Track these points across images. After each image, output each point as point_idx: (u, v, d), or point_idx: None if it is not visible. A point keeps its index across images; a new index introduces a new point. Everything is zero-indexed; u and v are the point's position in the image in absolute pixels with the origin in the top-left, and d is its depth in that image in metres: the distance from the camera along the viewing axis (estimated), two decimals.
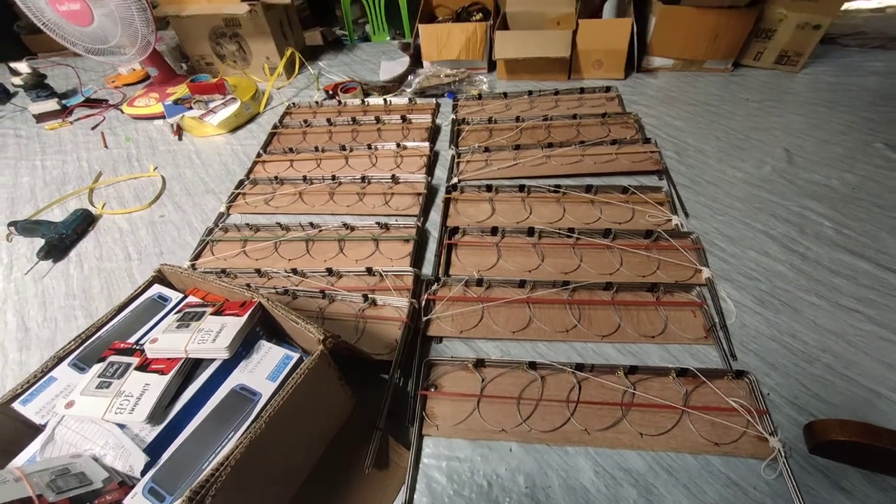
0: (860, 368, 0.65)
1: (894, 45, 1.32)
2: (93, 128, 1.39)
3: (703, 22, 1.21)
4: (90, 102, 1.49)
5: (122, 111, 1.43)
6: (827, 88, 1.20)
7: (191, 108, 1.30)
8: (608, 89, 1.26)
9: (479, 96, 1.30)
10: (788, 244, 0.82)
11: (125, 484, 0.45)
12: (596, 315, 0.74)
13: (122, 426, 0.47)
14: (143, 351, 0.52)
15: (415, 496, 0.57)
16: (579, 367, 0.65)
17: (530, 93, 1.27)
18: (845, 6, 1.41)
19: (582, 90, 1.27)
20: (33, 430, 0.50)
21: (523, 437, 0.61)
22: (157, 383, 0.49)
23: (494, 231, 0.87)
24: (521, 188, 0.96)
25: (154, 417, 0.47)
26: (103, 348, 0.54)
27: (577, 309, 0.74)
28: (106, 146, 1.30)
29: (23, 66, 1.48)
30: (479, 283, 0.79)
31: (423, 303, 0.76)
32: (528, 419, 0.62)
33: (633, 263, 0.81)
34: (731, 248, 0.82)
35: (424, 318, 0.74)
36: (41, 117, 1.43)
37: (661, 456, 0.58)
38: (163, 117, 1.35)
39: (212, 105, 1.30)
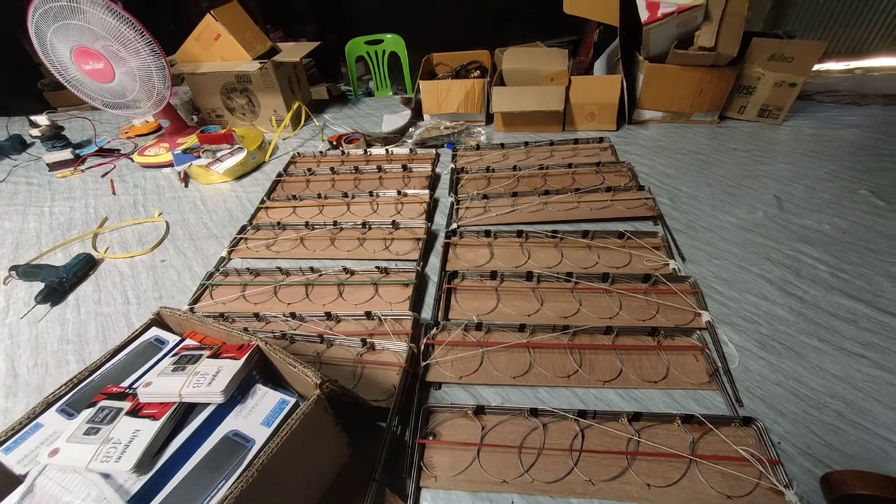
0: (872, 416, 0.63)
1: (866, 101, 1.40)
2: (102, 175, 1.43)
3: (688, 79, 1.29)
4: (103, 152, 1.55)
5: (132, 160, 1.48)
6: (809, 139, 1.25)
7: (199, 156, 1.35)
8: (601, 139, 1.32)
9: (478, 147, 1.35)
10: (785, 287, 0.82)
11: None
12: (597, 360, 0.73)
13: (106, 476, 0.45)
14: (136, 395, 0.51)
15: None
16: (582, 413, 0.63)
17: (526, 143, 1.33)
18: (817, 67, 1.51)
19: (576, 141, 1.32)
20: (12, 480, 0.48)
21: (525, 488, 0.58)
22: (148, 429, 0.47)
23: (493, 275, 0.88)
24: (520, 233, 0.98)
25: (141, 466, 0.45)
26: (95, 392, 0.53)
27: (577, 353, 0.73)
28: (114, 192, 1.34)
29: (42, 119, 1.55)
30: (479, 327, 0.78)
31: (423, 347, 0.75)
32: (530, 469, 0.59)
33: (632, 307, 0.81)
34: (728, 291, 0.83)
35: (423, 363, 0.73)
36: (54, 166, 1.48)
37: None
38: (171, 165, 1.40)
39: (219, 154, 1.35)
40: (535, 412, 0.64)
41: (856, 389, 0.66)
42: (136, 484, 0.45)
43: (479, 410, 0.66)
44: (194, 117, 1.70)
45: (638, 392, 0.68)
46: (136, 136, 1.67)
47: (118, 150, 1.56)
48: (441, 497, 0.58)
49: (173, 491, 0.44)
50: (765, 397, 0.66)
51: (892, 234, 0.91)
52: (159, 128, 1.67)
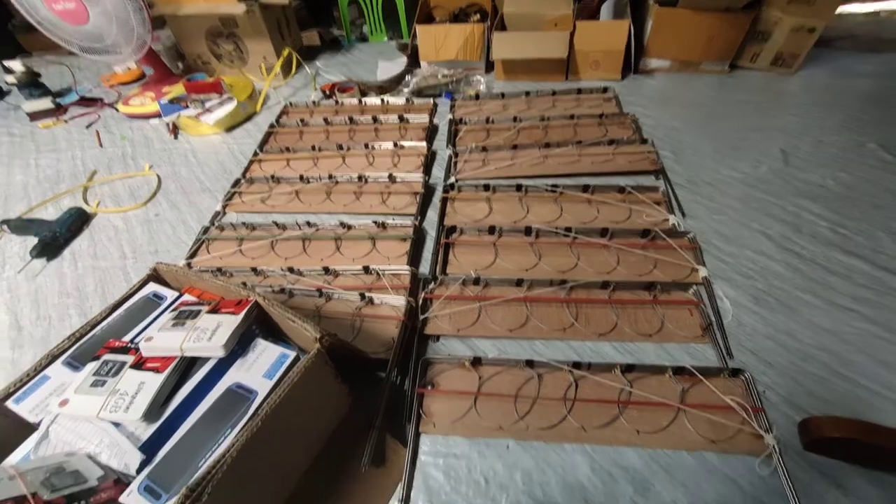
0: (856, 367, 0.65)
1: (885, 47, 1.34)
2: (87, 126, 1.38)
3: (700, 24, 1.22)
4: (85, 101, 1.49)
5: (117, 110, 1.42)
6: (821, 90, 1.21)
7: (187, 106, 1.29)
8: (605, 90, 1.27)
9: (477, 97, 1.30)
10: (784, 243, 0.82)
11: (121, 482, 0.45)
12: (593, 313, 0.74)
13: (116, 424, 0.47)
14: (137, 349, 0.52)
15: (412, 493, 0.57)
16: (576, 365, 0.65)
17: (528, 93, 1.27)
18: (839, 10, 1.42)
19: (579, 91, 1.27)
20: (27, 428, 0.49)
21: (520, 434, 0.61)
22: (153, 381, 0.48)
23: (492, 230, 0.87)
24: (519, 187, 0.96)
25: (149, 416, 0.47)
26: (98, 347, 0.54)
27: (574, 307, 0.74)
28: (101, 145, 1.30)
29: (16, 65, 1.46)
30: (477, 281, 0.78)
31: (421, 301, 0.76)
32: (525, 417, 0.62)
33: (630, 262, 0.81)
34: (727, 247, 0.83)
35: (422, 317, 0.74)
36: (35, 115, 1.42)
37: (657, 453, 0.58)
38: (159, 116, 1.35)
39: (208, 104, 1.29)
40: (530, 363, 0.66)
41: (843, 342, 0.68)
42: (146, 432, 0.47)
43: (477, 362, 0.67)
44: (179, 64, 1.61)
45: (632, 345, 0.70)
46: (119, 84, 1.59)
47: (101, 100, 1.50)
48: (439, 442, 0.61)
49: (182, 439, 0.46)
50: (755, 350, 0.67)
51: None
52: (143, 75, 1.59)
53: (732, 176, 0.98)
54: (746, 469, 0.56)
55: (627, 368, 0.65)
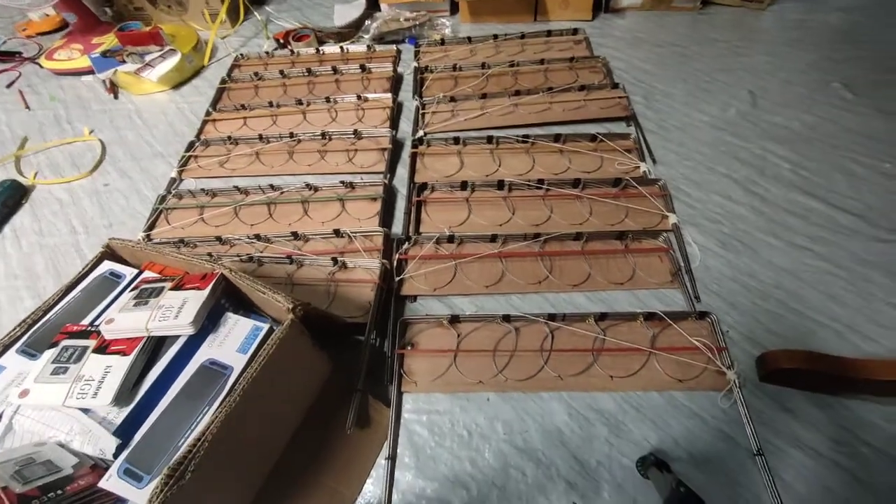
0: (807, 302, 0.69)
1: None
2: (8, 85, 1.24)
3: None
4: (0, 55, 1.32)
5: (40, 66, 1.27)
6: (792, 26, 1.19)
7: (124, 61, 1.16)
8: (576, 31, 1.21)
9: (442, 41, 1.22)
10: (749, 187, 0.84)
11: (98, 467, 0.44)
12: (567, 265, 0.75)
13: (86, 411, 0.45)
14: (99, 332, 0.49)
15: (398, 450, 0.59)
16: (552, 317, 0.67)
17: (496, 37, 1.21)
18: None
19: (549, 33, 1.21)
20: None
21: (500, 386, 0.63)
22: (120, 365, 0.46)
23: (464, 186, 0.85)
24: (490, 139, 0.93)
25: (120, 399, 0.45)
26: (54, 332, 0.51)
27: (548, 260, 0.75)
28: (27, 107, 1.17)
29: None
30: (451, 239, 0.78)
31: (395, 263, 0.75)
32: (503, 370, 0.64)
33: (602, 213, 0.81)
34: (696, 192, 0.84)
35: (397, 279, 0.73)
36: None
37: (629, 396, 0.61)
38: (91, 72, 1.21)
39: (148, 58, 1.17)
40: (507, 318, 0.67)
41: (798, 280, 0.71)
42: (119, 416, 0.45)
43: (454, 319, 0.68)
44: (107, 10, 1.43)
45: (605, 294, 0.72)
46: (38, 34, 1.41)
47: (19, 53, 1.33)
48: (421, 399, 0.63)
49: (158, 420, 0.45)
50: (720, 292, 0.70)
51: (855, 129, 0.92)
52: (65, 24, 1.41)
53: (702, 120, 0.97)
54: (710, 403, 0.60)
55: (601, 317, 0.67)
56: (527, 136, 0.92)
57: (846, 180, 0.84)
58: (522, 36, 1.20)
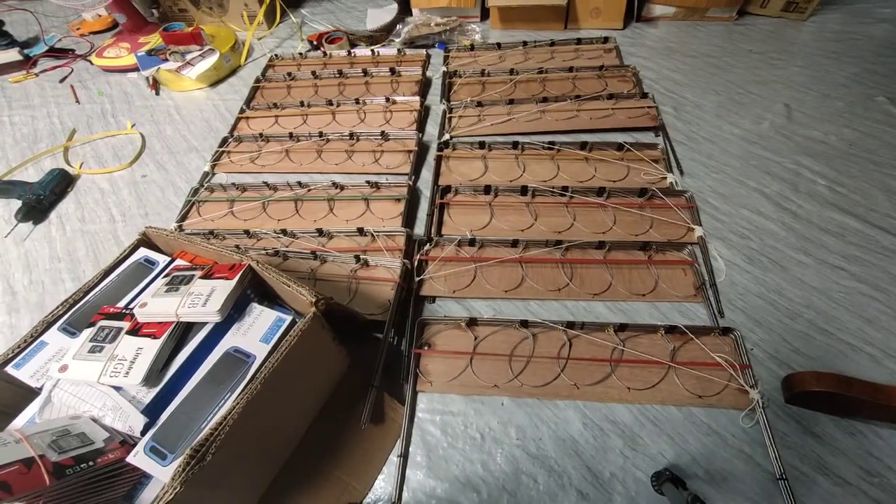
0: (839, 323, 0.66)
1: None
2: (61, 80, 1.31)
3: None
4: (55, 52, 1.40)
5: (91, 62, 1.34)
6: (833, 38, 1.15)
7: (166, 59, 1.22)
8: (606, 40, 1.20)
9: (472, 47, 1.23)
10: (781, 202, 0.82)
11: (126, 443, 0.46)
12: (588, 274, 0.74)
13: (118, 388, 0.47)
14: (132, 315, 0.52)
15: (410, 449, 0.60)
16: (570, 325, 0.66)
17: (525, 43, 1.21)
18: None
19: (579, 41, 1.21)
20: (29, 393, 0.50)
21: (515, 391, 0.63)
22: (150, 347, 0.48)
23: (487, 190, 0.86)
24: (515, 145, 0.94)
25: (149, 380, 0.47)
26: (92, 313, 0.54)
27: (569, 268, 0.74)
28: (77, 101, 1.23)
29: None
30: (472, 242, 0.78)
31: (416, 263, 0.76)
32: (519, 375, 0.64)
33: (626, 222, 0.81)
34: (724, 206, 0.82)
35: (417, 279, 0.74)
36: (2, 69, 1.34)
37: (646, 408, 0.60)
38: (136, 70, 1.27)
39: (189, 57, 1.22)
40: (525, 324, 0.67)
41: (830, 300, 0.69)
42: (147, 395, 0.47)
43: (472, 322, 0.68)
44: (154, 12, 1.50)
45: (625, 304, 0.71)
46: (90, 33, 1.49)
47: (73, 51, 1.41)
48: (436, 399, 0.63)
49: (183, 402, 0.47)
50: (745, 308, 0.69)
51: None
52: (115, 24, 1.49)
53: (733, 132, 0.95)
54: (730, 422, 0.59)
55: (620, 328, 0.66)
56: (552, 143, 0.92)
57: (887, 198, 0.80)
58: (552, 43, 1.20)
